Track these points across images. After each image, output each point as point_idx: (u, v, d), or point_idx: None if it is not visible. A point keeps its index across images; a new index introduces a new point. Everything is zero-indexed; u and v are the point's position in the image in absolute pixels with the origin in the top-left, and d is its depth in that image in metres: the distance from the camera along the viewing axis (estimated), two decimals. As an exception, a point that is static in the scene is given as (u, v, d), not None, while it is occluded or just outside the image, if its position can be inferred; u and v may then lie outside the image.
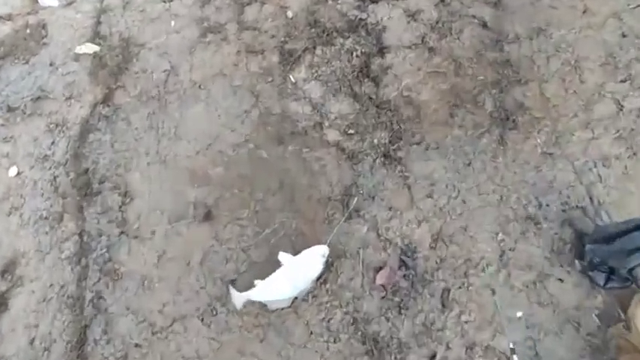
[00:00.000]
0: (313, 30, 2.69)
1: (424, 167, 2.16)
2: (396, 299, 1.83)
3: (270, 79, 2.55)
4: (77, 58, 2.69)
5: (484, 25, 2.61)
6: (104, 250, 2.10)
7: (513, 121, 2.23)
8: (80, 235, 2.16)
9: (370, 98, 2.45)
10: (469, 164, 2.14)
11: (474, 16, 2.61)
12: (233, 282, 1.96)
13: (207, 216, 2.16)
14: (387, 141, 2.25)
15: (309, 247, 1.94)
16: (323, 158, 2.28)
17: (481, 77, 2.45)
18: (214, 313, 1.92)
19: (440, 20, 2.64)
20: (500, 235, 1.94)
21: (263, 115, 2.46)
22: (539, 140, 2.16)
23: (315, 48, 2.60)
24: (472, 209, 2.01)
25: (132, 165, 2.35)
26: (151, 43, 2.71)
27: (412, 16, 2.66)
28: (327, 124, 2.38)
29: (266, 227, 2.10)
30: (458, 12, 2.65)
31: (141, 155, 2.37)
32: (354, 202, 2.05)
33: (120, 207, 2.22)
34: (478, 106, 2.34)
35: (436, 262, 1.90)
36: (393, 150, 2.22)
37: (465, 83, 2.44)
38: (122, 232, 2.15)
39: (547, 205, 1.98)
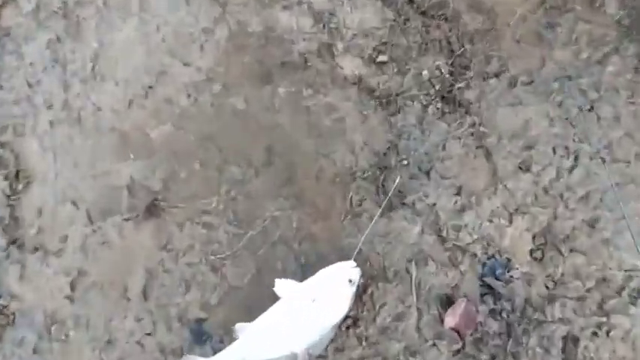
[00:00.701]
0: None
1: (511, 116, 1.27)
2: (483, 357, 1.05)
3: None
4: None
5: None
6: (-17, 274, 1.28)
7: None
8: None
9: (411, 1, 1.48)
10: (590, 109, 1.25)
11: None
12: (199, 327, 1.17)
13: (151, 209, 1.31)
14: (445, 73, 1.33)
15: (323, 260, 1.14)
16: (337, 106, 1.37)
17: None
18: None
19: None
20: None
21: (235, 35, 1.50)
22: None
23: None
24: (603, 189, 1.16)
25: (25, 127, 1.44)
26: None
27: None
28: (340, 46, 1.43)
29: (249, 227, 1.26)
30: None
31: (40, 110, 1.45)
32: (396, 181, 1.19)
33: (8, 198, 1.36)
34: (594, 7, 1.39)
35: (547, 287, 1.10)
36: (458, 89, 1.31)
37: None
38: (12, 243, 1.30)
39: None
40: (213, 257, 1.24)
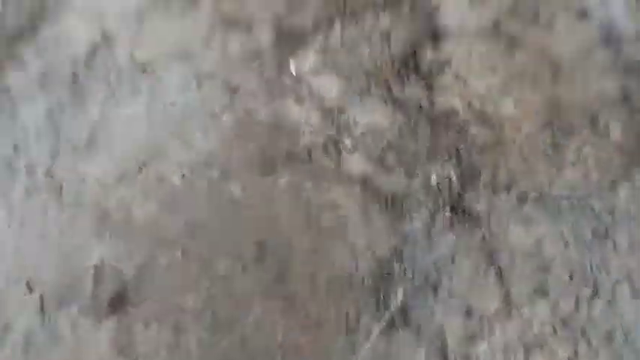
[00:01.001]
0: (329, 3, 1.74)
1: (523, 234, 1.20)
2: None
3: (257, 66, 1.58)
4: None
5: (584, 14, 1.72)
6: None
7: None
8: None
9: (420, 107, 1.50)
10: (605, 234, 1.18)
11: None
12: None
13: (116, 303, 1.13)
14: (454, 180, 1.29)
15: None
16: (339, 204, 1.30)
17: (596, 88, 1.55)
18: None
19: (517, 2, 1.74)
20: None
21: (242, 123, 1.48)
22: None
23: (330, 25, 1.66)
24: (627, 325, 1.04)
25: (-2, 190, 1.32)
26: (74, -3, 1.73)
27: (477, -7, 1.76)
28: (348, 143, 1.41)
29: (226, 331, 1.08)
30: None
31: (18, 175, 1.34)
32: (400, 294, 1.06)
33: (-46, 271, 1.18)
34: (598, 132, 1.42)
35: None
36: (467, 199, 1.25)
37: (570, 96, 1.52)
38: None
39: None
40: (179, 369, 1.04)
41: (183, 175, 1.36)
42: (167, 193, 1.32)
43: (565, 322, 1.05)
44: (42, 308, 1.13)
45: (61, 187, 1.33)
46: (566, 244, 1.17)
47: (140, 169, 1.38)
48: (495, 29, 1.66)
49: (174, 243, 1.24)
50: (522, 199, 1.28)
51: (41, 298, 1.14)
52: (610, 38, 1.65)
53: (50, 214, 1.28)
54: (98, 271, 1.19)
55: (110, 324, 1.10)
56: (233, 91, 1.56)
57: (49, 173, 1.35)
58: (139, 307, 1.13)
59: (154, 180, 1.35)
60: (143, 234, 1.26)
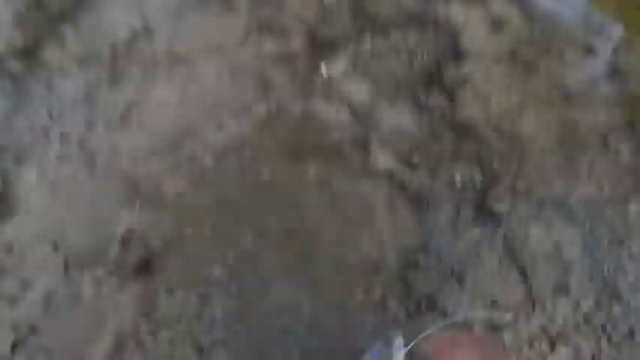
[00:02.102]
0: (359, 19, 1.86)
1: (543, 236, 1.24)
2: None
3: (290, 67, 1.66)
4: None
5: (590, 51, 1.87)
6: None
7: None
8: None
9: (443, 116, 1.58)
10: (622, 242, 1.23)
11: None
12: None
13: (142, 267, 1.12)
14: (478, 182, 1.34)
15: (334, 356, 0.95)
16: (367, 195, 1.33)
17: (605, 113, 1.65)
18: None
19: (532, 34, 1.88)
20: None
21: (274, 115, 1.53)
22: None
23: (360, 36, 1.76)
24: (647, 328, 1.07)
25: (30, 156, 1.32)
26: (120, -12, 1.81)
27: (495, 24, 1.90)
28: (375, 141, 1.47)
29: (250, 308, 1.08)
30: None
31: (52, 142, 1.36)
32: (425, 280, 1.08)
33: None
34: (609, 150, 1.51)
35: None
36: (490, 199, 1.30)
37: (581, 117, 1.63)
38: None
39: None
40: (202, 337, 1.02)
41: (215, 157, 1.39)
42: (198, 170, 1.35)
43: (587, 319, 1.08)
44: (65, 268, 1.11)
45: (93, 156, 1.34)
46: (584, 248, 1.21)
47: (172, 146, 1.40)
48: (512, 55, 1.79)
49: (202, 218, 1.25)
50: (541, 204, 1.33)
51: (65, 258, 1.13)
52: (614, 74, 1.79)
53: (81, 180, 1.28)
54: (125, 239, 1.18)
55: (134, 289, 1.08)
56: (265, 85, 1.63)
57: (82, 142, 1.36)
58: (164, 274, 1.12)
59: (186, 157, 1.38)
60: (171, 207, 1.26)
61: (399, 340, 0.88)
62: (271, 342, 1.02)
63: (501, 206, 1.29)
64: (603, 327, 1.06)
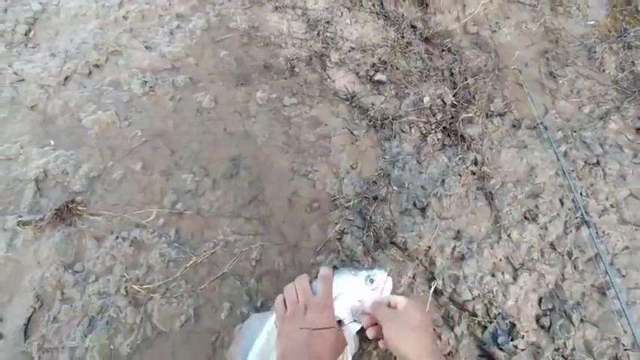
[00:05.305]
0: None
1: (515, 160, 1.14)
2: None
3: (233, -32, 1.37)
4: None
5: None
6: None
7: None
8: None
9: (413, 27, 1.37)
10: (596, 163, 1.15)
11: None
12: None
13: (63, 213, 0.98)
14: (447, 103, 1.19)
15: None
16: (323, 121, 1.17)
17: (592, 22, 1.48)
18: None
19: None
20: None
21: (214, 28, 1.29)
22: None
23: None
24: (614, 251, 1.02)
25: None
26: None
27: None
28: (334, 57, 1.27)
29: (192, 251, 0.96)
30: None
31: None
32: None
33: None
34: (593, 65, 1.36)
35: (560, 366, 0.89)
36: (460, 121, 1.16)
37: (567, 25, 1.45)
38: None
39: None
40: (137, 287, 0.91)
41: (145, 82, 1.17)
42: (124, 99, 1.14)
43: (553, 246, 1.01)
44: (-32, 219, 0.95)
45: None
46: (558, 172, 1.12)
47: (90, 71, 1.17)
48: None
49: (131, 155, 1.08)
50: (516, 125, 1.21)
51: (-33, 208, 0.96)
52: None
53: None
54: (39, 182, 1.01)
55: (54, 238, 0.94)
56: (203, -6, 1.36)
57: None
58: (90, 220, 0.97)
59: (109, 84, 1.16)
60: (93, 143, 1.08)
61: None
62: (216, 290, 0.93)
63: (472, 129, 1.16)
64: (569, 253, 1.01)
